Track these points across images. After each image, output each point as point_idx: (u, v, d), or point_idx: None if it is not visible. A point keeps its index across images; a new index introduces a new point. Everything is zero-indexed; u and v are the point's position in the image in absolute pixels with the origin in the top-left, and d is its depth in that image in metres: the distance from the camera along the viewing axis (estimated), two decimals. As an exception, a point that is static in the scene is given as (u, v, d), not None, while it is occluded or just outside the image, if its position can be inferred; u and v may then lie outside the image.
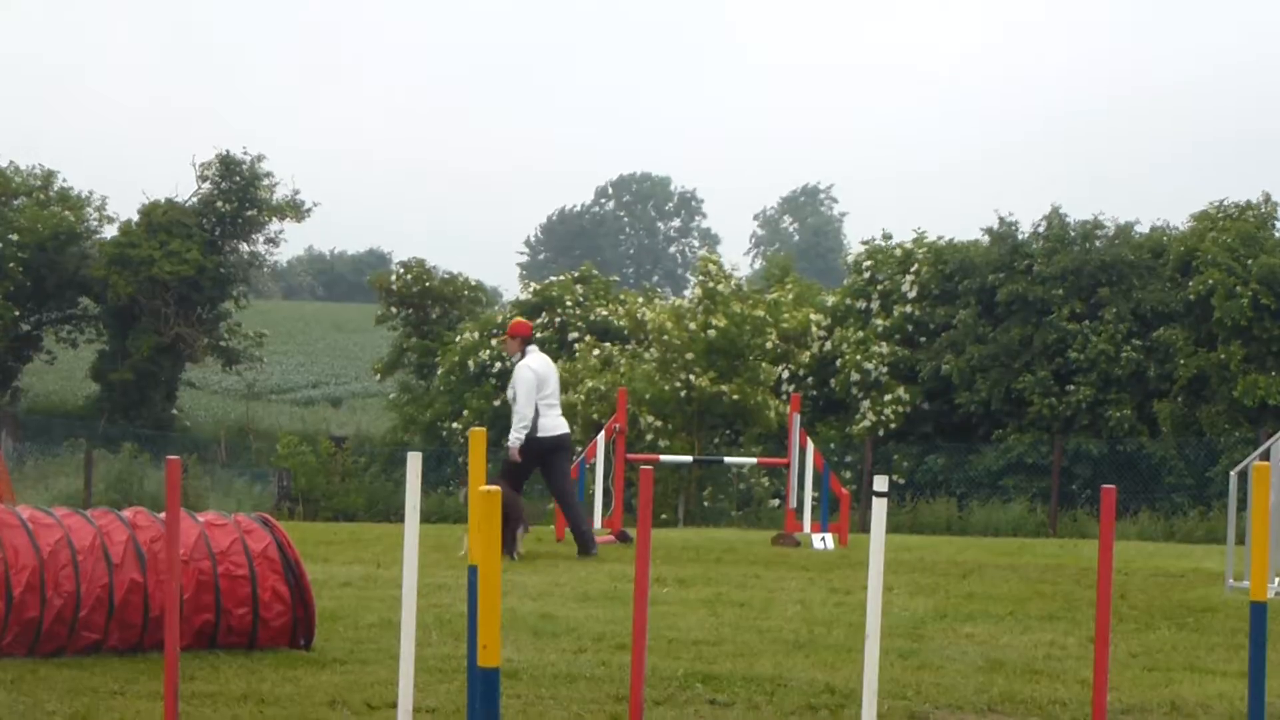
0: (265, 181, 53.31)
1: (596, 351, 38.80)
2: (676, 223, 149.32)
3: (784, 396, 33.82)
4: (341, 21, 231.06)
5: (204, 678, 8.90)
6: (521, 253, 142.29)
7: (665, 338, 33.35)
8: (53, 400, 57.55)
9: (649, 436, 32.84)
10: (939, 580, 15.25)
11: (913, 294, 37.09)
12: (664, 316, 34.39)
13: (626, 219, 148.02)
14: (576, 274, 46.10)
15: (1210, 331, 33.82)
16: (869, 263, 38.43)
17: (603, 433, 21.10)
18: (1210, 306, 33.57)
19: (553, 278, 47.59)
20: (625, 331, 40.87)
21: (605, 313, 42.92)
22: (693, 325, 33.28)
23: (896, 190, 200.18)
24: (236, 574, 9.93)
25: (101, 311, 52.67)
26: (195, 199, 53.00)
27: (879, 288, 37.83)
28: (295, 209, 53.71)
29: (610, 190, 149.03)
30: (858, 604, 12.78)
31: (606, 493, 20.79)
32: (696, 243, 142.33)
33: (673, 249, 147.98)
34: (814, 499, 20.65)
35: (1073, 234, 36.44)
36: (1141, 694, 9.15)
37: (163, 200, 52.44)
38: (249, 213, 52.97)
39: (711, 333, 32.95)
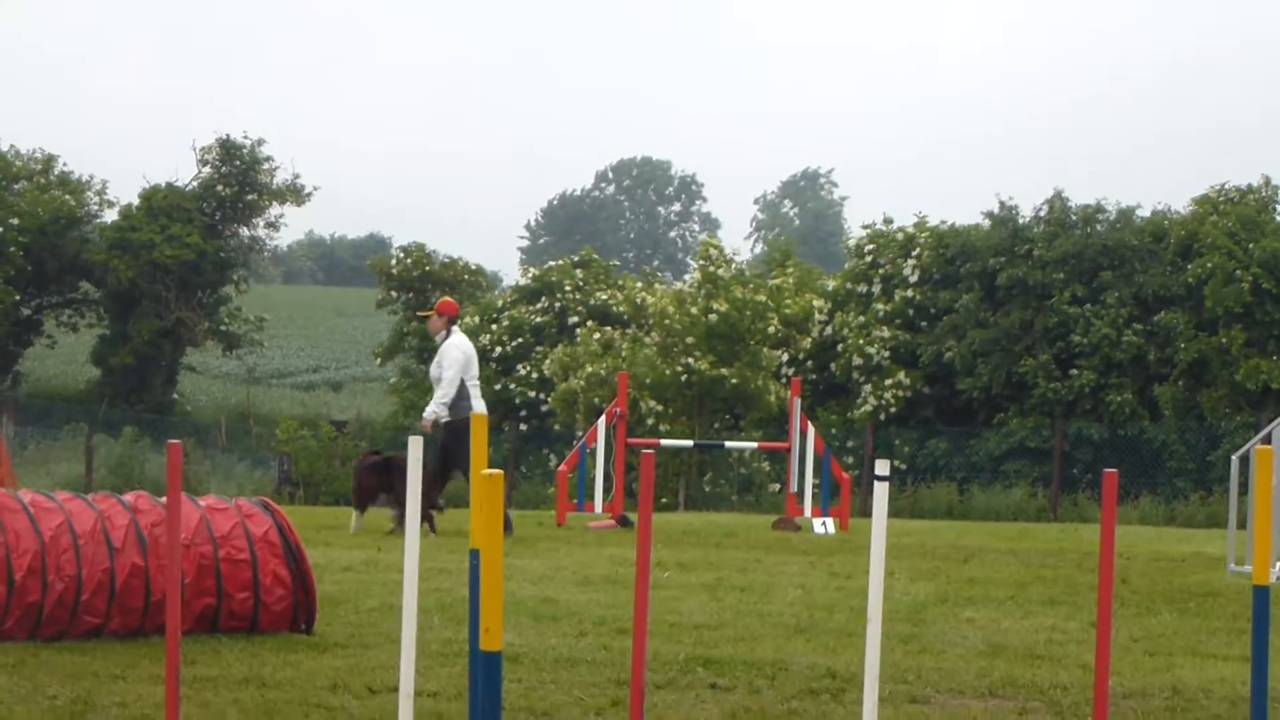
0: (265, 166, 53.31)
1: (597, 336, 38.80)
2: (677, 207, 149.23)
3: (785, 381, 33.82)
4: (343, 6, 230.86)
5: (205, 661, 8.90)
6: (522, 237, 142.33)
7: (666, 322, 33.33)
8: (54, 385, 57.58)
9: (650, 421, 32.84)
10: (940, 565, 15.25)
11: (914, 278, 37.07)
12: (665, 301, 34.37)
13: (627, 203, 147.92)
14: (577, 258, 46.09)
15: (1211, 315, 33.80)
16: (870, 247, 38.41)
17: (603, 417, 21.09)
18: (1211, 290, 33.55)
19: (553, 262, 47.58)
20: (625, 316, 40.87)
21: (605, 297, 42.92)
22: (694, 310, 33.26)
23: (897, 175, 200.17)
24: (238, 558, 9.93)
25: (102, 296, 52.69)
26: (196, 183, 52.99)
27: (880, 272, 37.81)
28: (295, 193, 53.70)
29: (611, 174, 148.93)
30: (858, 588, 12.78)
31: (607, 477, 20.79)
32: (697, 227, 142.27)
33: (673, 233, 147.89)
34: (815, 485, 20.65)
35: (1074, 218, 36.42)
36: (1143, 678, 9.15)
37: (163, 184, 52.46)
38: (249, 197, 52.97)
39: (713, 317, 32.94)
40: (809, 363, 37.55)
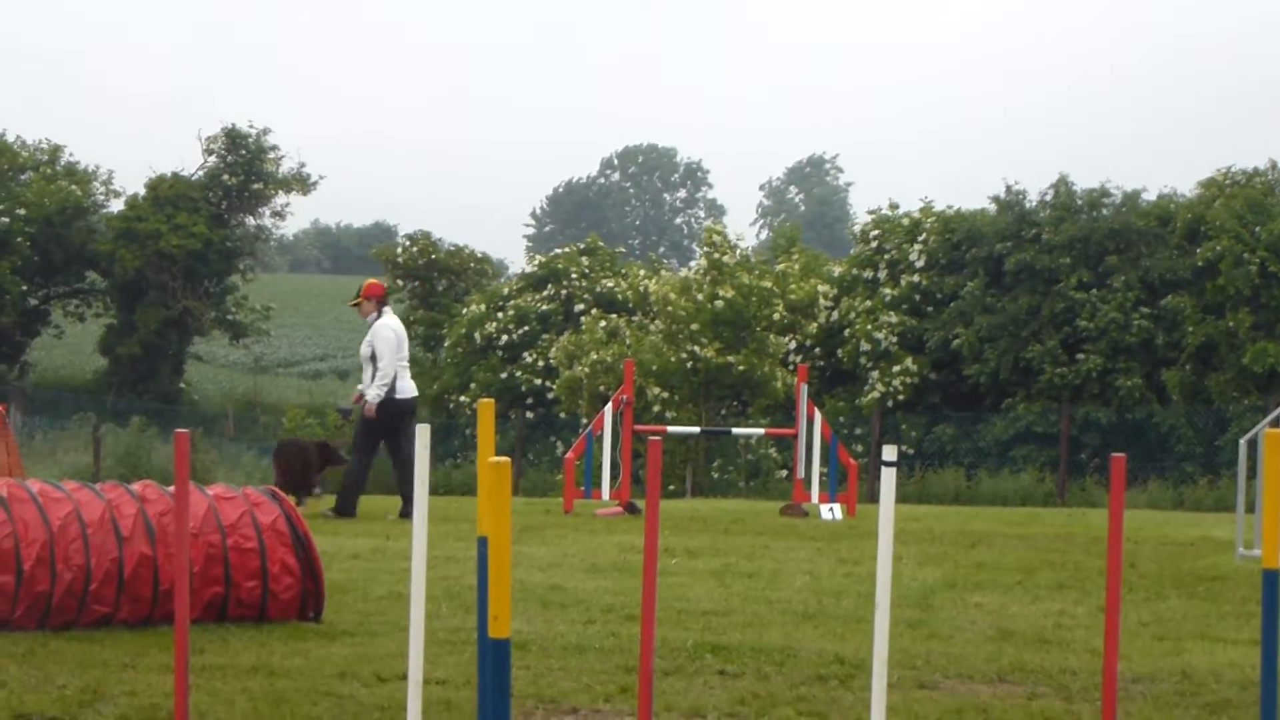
0: (271, 155, 53.33)
1: (603, 324, 38.80)
2: (682, 194, 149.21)
3: (791, 367, 33.82)
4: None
5: (214, 650, 8.91)
6: (528, 225, 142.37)
7: (670, 309, 33.31)
8: (61, 374, 57.66)
9: (656, 408, 32.84)
10: (948, 550, 15.24)
11: (920, 263, 37.03)
12: (668, 288, 34.34)
13: (632, 190, 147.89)
14: (582, 246, 46.07)
15: (1219, 299, 33.77)
16: (876, 233, 38.37)
17: (610, 404, 21.08)
18: (1219, 273, 33.51)
19: (559, 250, 47.57)
20: (630, 304, 40.86)
21: (611, 284, 42.91)
22: (699, 296, 33.24)
23: (902, 160, 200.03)
24: (245, 547, 9.93)
25: (109, 286, 52.74)
26: (201, 173, 53.03)
27: (886, 258, 37.78)
28: (301, 182, 53.74)
29: (616, 162, 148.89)
30: (866, 574, 12.77)
31: (614, 464, 20.76)
32: (703, 214, 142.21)
33: (679, 220, 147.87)
34: (822, 471, 20.64)
35: (1080, 202, 36.38)
36: (1152, 663, 9.14)
37: (169, 174, 52.47)
38: (255, 186, 53.00)
39: (718, 304, 32.91)
40: (816, 349, 37.53)
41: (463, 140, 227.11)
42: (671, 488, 31.26)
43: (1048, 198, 36.79)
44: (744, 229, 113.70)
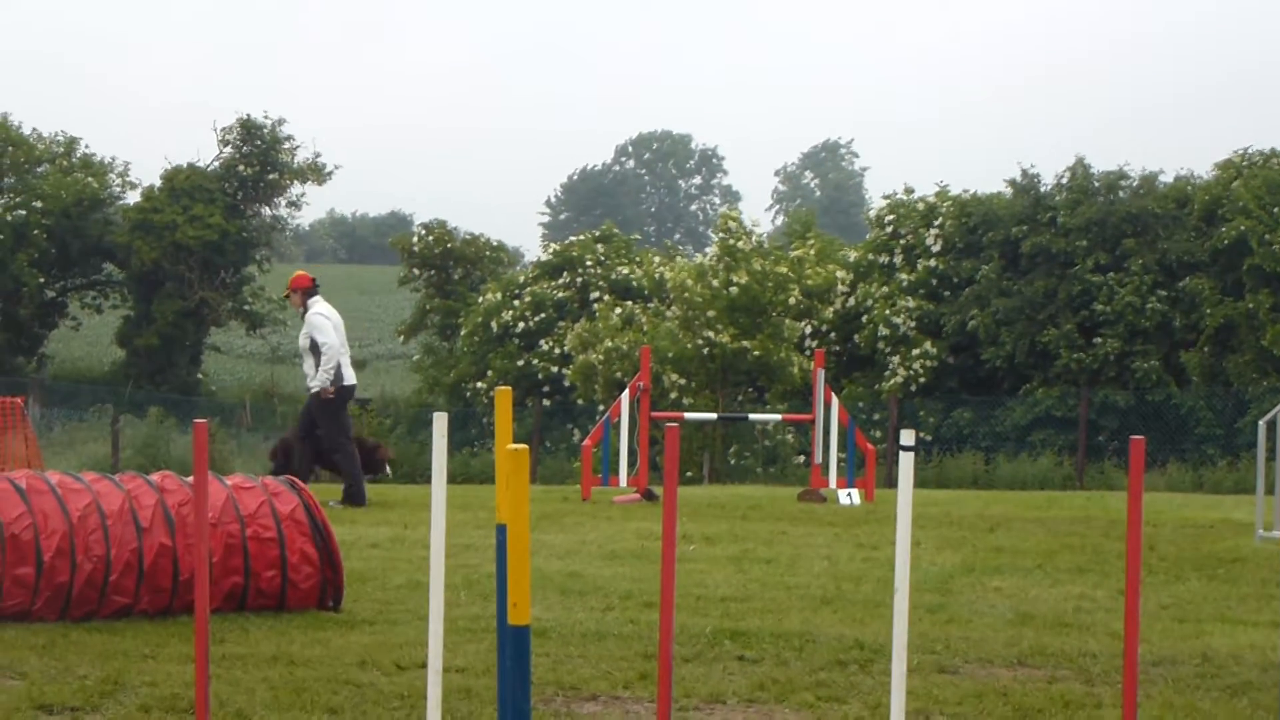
0: (286, 145, 53.36)
1: (619, 310, 38.80)
2: (697, 180, 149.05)
3: (808, 353, 33.79)
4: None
5: (234, 640, 8.92)
6: (543, 213, 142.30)
7: (686, 295, 33.28)
8: (79, 366, 57.77)
9: (673, 394, 32.82)
10: (966, 534, 15.22)
11: (936, 248, 36.97)
12: (684, 275, 34.31)
13: (647, 177, 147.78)
14: (598, 233, 46.06)
15: (1237, 280, 33.68)
16: (891, 217, 38.31)
17: (627, 391, 21.07)
18: (1237, 255, 33.43)
19: (574, 237, 47.57)
20: (645, 291, 40.85)
21: (626, 272, 42.90)
22: (715, 282, 33.20)
23: (918, 145, 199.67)
24: (265, 536, 9.94)
25: (126, 277, 52.83)
26: (217, 164, 53.08)
27: (902, 242, 37.72)
28: (317, 172, 53.76)
29: (631, 149, 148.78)
30: (885, 559, 12.76)
31: (632, 451, 20.75)
32: (718, 200, 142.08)
33: (694, 207, 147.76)
34: (840, 456, 20.61)
35: (1096, 185, 36.28)
36: (1172, 645, 9.12)
37: (185, 165, 52.53)
38: (270, 176, 53.05)
39: (733, 290, 32.87)
40: (832, 334, 37.50)
41: (478, 129, 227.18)
42: (689, 474, 31.26)
43: (1064, 181, 36.70)
44: (759, 215, 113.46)
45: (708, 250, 37.34)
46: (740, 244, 33.94)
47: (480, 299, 44.33)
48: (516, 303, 42.88)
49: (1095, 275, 34.88)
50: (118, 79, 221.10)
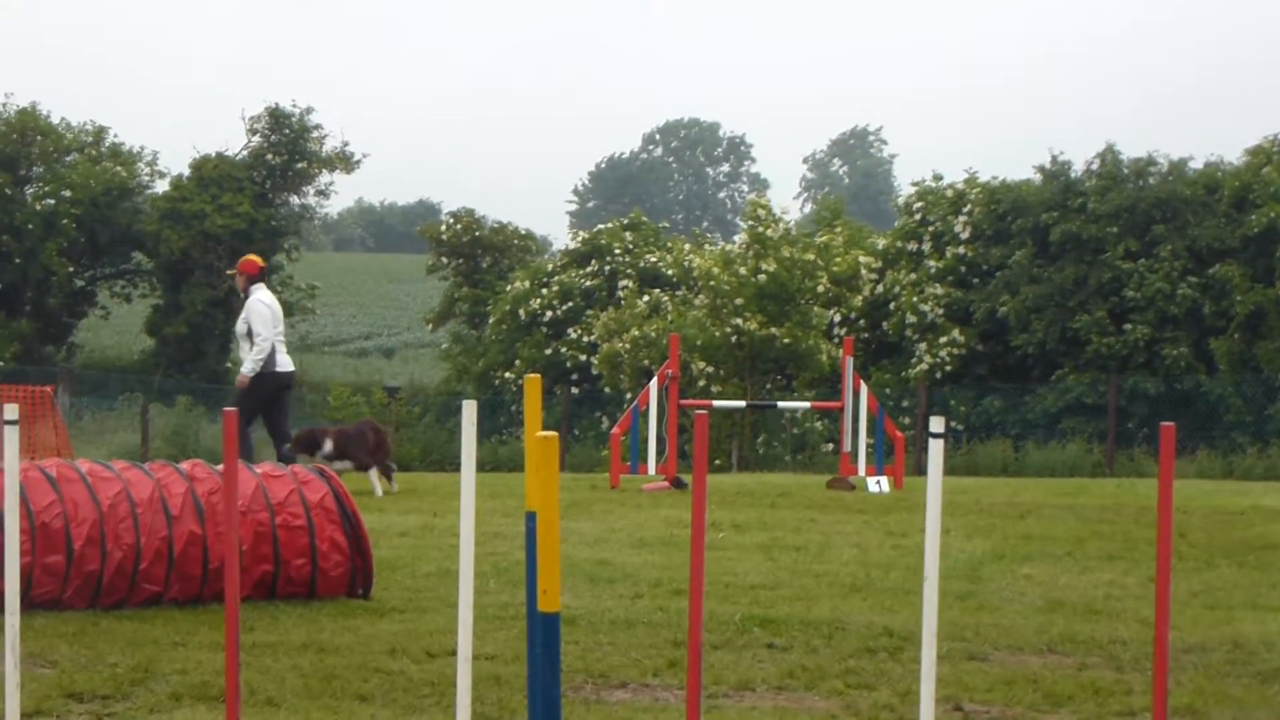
0: (315, 134, 53.42)
1: (646, 298, 38.77)
2: (725, 168, 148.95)
3: (836, 340, 33.71)
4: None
5: (264, 628, 8.95)
6: (570, 201, 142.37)
7: (713, 283, 33.24)
8: (108, 355, 57.95)
9: (701, 382, 32.80)
10: (996, 521, 15.19)
11: (965, 235, 36.87)
12: (711, 262, 34.26)
13: (675, 165, 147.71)
14: (626, 221, 46.03)
15: (1268, 267, 33.53)
16: (920, 204, 38.21)
17: (655, 379, 21.06)
18: (1267, 242, 33.27)
19: (602, 225, 47.54)
20: (674, 278, 40.81)
21: (655, 259, 42.87)
22: (743, 270, 33.14)
23: (946, 131, 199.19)
24: (294, 525, 9.96)
25: (154, 266, 52.95)
26: (245, 153, 53.15)
27: (931, 229, 37.62)
28: (345, 161, 53.81)
29: (658, 137, 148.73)
30: (914, 546, 12.75)
31: (660, 439, 20.75)
32: (746, 188, 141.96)
33: (722, 194, 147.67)
34: (869, 444, 20.59)
35: (1126, 171, 36.13)
36: (1203, 633, 9.10)
37: (213, 154, 52.63)
38: (299, 165, 53.10)
39: (761, 277, 32.82)
40: (860, 321, 37.43)
41: (505, 117, 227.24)
42: (717, 462, 31.23)
43: (1094, 167, 36.56)
44: (788, 203, 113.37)
45: (736, 238, 37.27)
46: (769, 231, 33.87)
47: (508, 287, 44.34)
48: (545, 291, 42.89)
49: (1125, 262, 34.74)
50: (146, 69, 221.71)
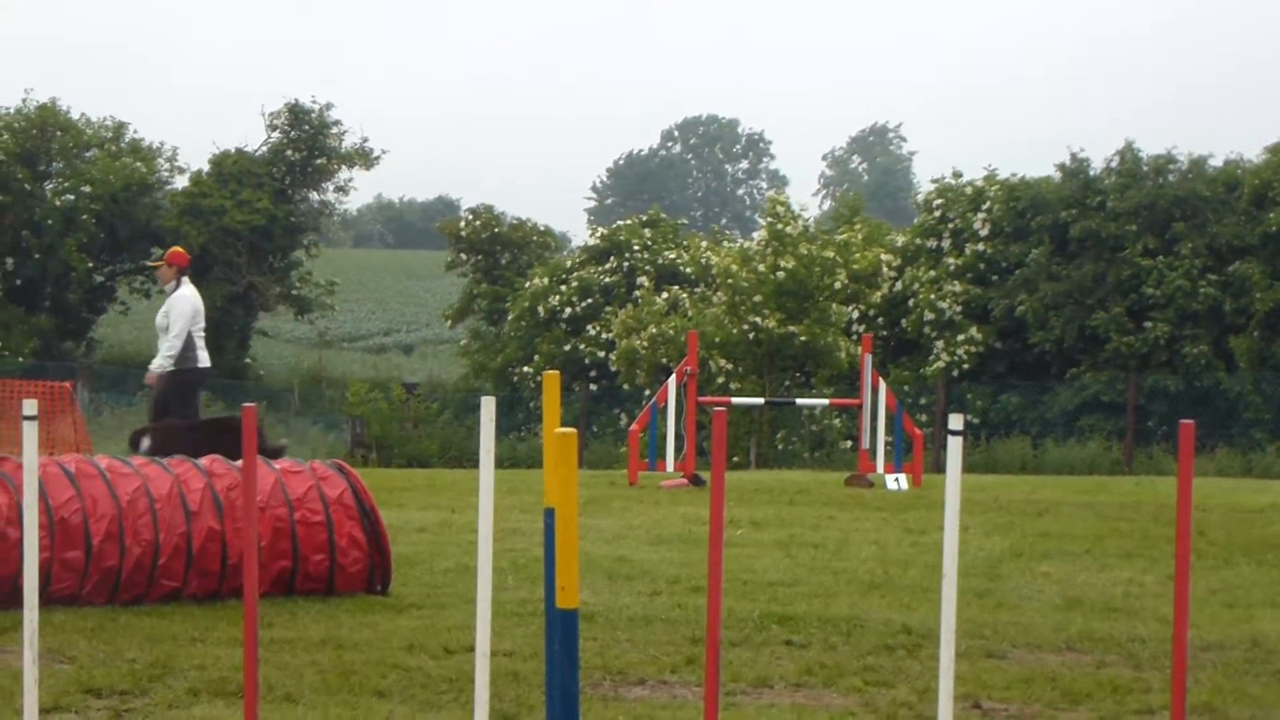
0: (334, 130, 53.46)
1: (664, 295, 38.75)
2: (744, 165, 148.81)
3: (855, 337, 33.68)
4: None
5: (282, 624, 8.95)
6: (589, 198, 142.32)
7: (732, 280, 33.22)
8: (128, 351, 58.04)
9: (719, 379, 32.79)
10: (1014, 519, 15.17)
11: (985, 232, 36.81)
12: (730, 259, 34.25)
13: (694, 162, 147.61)
14: (644, 218, 46.03)
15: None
16: (939, 201, 38.16)
17: (673, 376, 21.06)
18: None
19: (620, 222, 47.54)
20: (692, 275, 40.81)
21: (673, 256, 42.86)
22: (761, 267, 33.12)
23: (966, 129, 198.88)
24: (313, 521, 9.97)
25: (174, 262, 52.93)
26: (265, 148, 53.20)
27: (950, 226, 37.57)
28: (364, 157, 53.83)
29: (677, 133, 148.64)
30: (933, 544, 12.73)
31: (679, 436, 20.75)
32: (765, 184, 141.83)
33: (741, 191, 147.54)
34: (887, 441, 20.56)
35: (1145, 169, 36.05)
36: (1221, 631, 9.07)
37: (233, 150, 52.68)
38: (318, 161, 53.12)
39: (780, 274, 32.79)
40: (879, 319, 37.39)
41: (524, 114, 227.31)
42: (736, 459, 31.23)
43: (1113, 164, 36.48)
44: (807, 199, 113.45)
45: (755, 235, 37.24)
46: (788, 228, 33.84)
47: (527, 284, 44.37)
48: (563, 287, 42.90)
49: (1145, 259, 34.67)
50: (166, 64, 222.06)
